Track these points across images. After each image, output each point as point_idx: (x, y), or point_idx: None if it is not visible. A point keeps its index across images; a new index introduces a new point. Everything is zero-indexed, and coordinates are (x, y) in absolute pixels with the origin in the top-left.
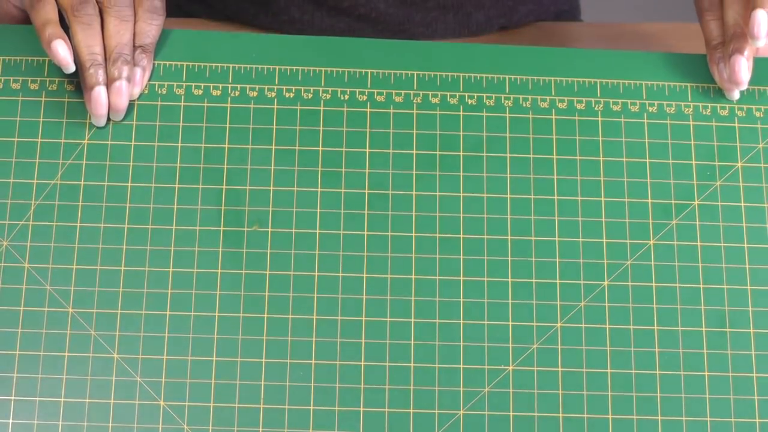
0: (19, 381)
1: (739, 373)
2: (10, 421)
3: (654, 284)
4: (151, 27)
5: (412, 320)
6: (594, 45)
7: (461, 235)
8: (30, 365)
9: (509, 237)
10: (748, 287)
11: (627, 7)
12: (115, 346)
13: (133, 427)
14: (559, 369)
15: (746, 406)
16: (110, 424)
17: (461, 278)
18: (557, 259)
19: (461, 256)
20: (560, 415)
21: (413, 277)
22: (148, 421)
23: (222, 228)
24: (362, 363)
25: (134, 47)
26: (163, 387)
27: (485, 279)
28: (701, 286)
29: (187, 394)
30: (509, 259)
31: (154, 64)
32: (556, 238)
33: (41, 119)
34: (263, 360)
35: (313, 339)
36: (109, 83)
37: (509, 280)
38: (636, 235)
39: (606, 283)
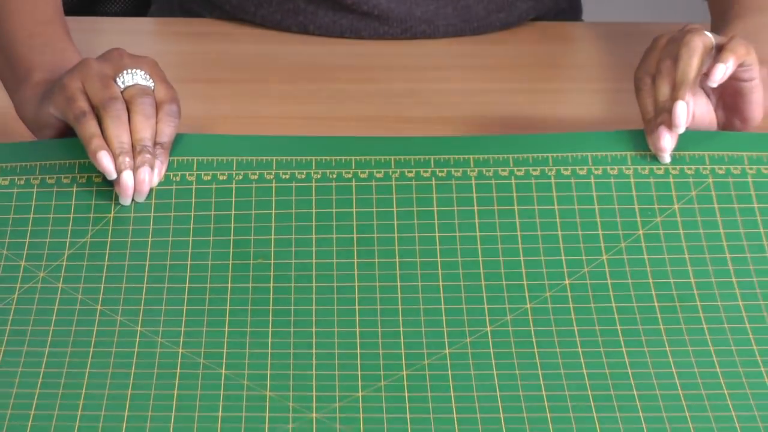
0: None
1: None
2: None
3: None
4: (169, 128)
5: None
6: (594, 45)
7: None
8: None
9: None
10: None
11: (628, 6)
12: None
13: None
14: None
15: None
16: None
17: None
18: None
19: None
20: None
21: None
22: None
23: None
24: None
25: (154, 144)
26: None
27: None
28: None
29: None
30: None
31: (169, 159)
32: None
33: (73, 202)
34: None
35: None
36: (135, 170)
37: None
38: (591, 251)
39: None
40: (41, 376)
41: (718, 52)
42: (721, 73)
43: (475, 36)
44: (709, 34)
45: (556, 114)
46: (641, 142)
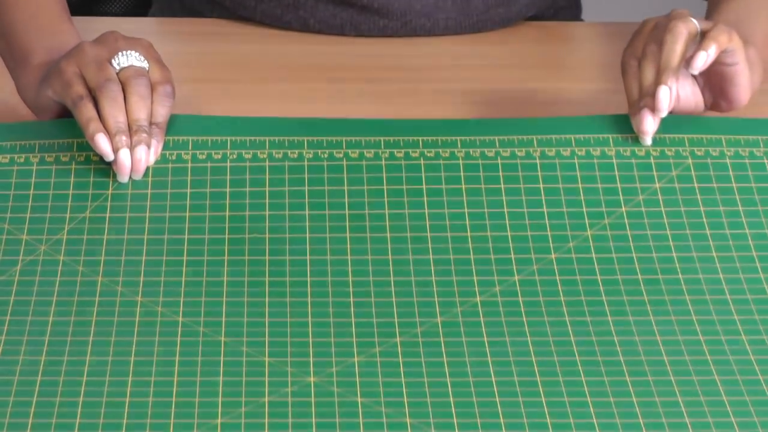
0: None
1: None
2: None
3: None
4: (164, 108)
5: None
6: (594, 44)
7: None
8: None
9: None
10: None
11: (628, 6)
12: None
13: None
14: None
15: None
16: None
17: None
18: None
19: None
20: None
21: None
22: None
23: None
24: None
25: (150, 124)
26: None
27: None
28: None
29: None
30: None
31: (165, 138)
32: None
33: (72, 179)
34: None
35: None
36: (131, 148)
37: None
38: (575, 227)
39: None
40: (46, 344)
41: (702, 39)
42: (702, 60)
43: (475, 35)
44: (694, 20)
45: (556, 114)
46: (623, 125)
